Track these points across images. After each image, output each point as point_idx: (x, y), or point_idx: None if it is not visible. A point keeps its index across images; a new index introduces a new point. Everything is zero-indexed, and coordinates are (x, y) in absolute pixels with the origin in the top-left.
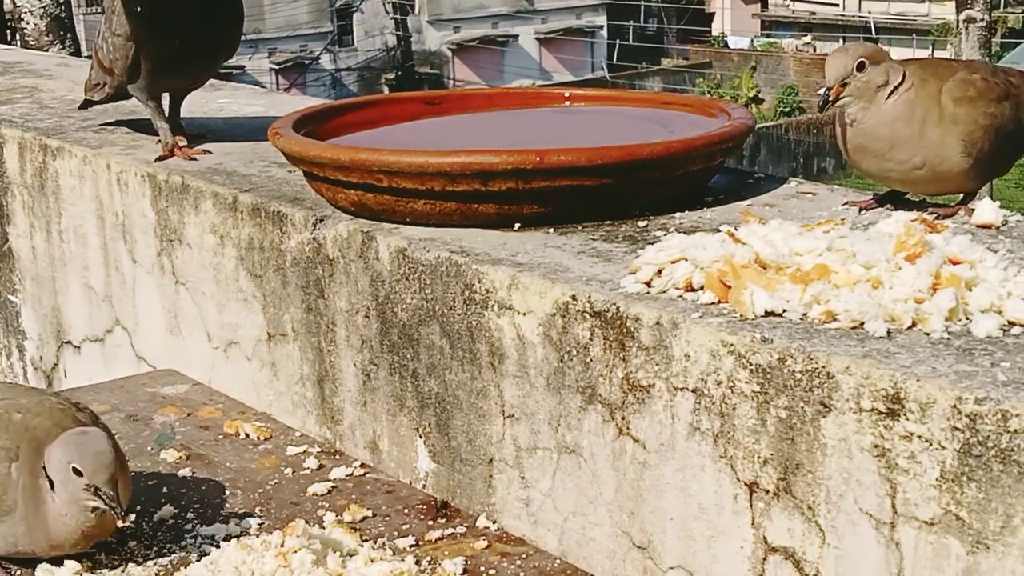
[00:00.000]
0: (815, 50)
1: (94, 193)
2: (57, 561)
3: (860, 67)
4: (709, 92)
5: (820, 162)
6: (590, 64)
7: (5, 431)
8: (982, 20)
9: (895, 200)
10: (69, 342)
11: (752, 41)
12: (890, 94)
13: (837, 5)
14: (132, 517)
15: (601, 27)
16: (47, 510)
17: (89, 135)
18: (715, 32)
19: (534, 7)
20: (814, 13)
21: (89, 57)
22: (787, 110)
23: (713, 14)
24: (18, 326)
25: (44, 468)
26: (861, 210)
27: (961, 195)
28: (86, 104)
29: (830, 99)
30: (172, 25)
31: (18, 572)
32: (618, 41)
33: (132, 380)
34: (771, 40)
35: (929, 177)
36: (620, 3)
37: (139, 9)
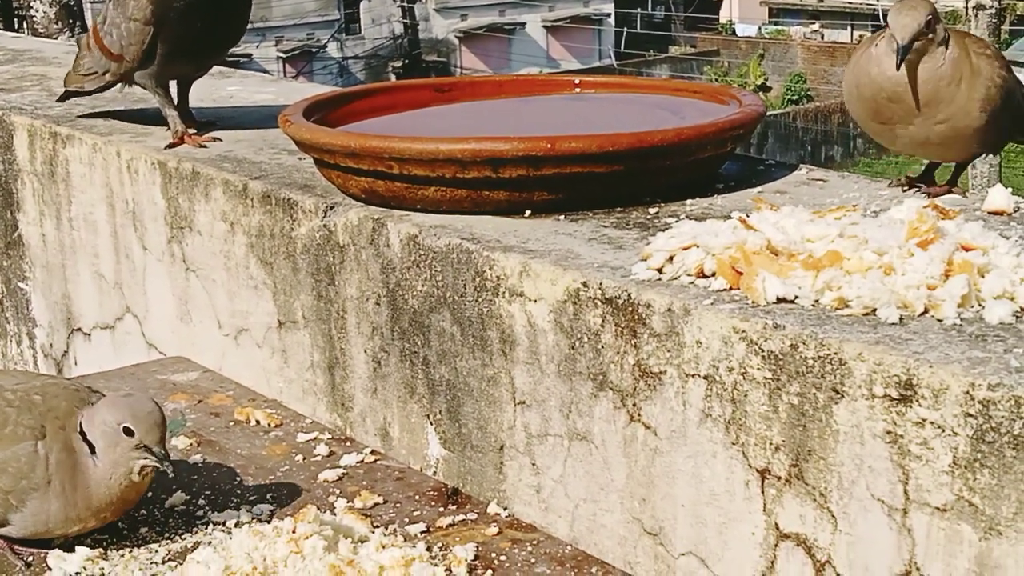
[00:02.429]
0: (823, 38)
1: (104, 181)
2: (69, 547)
3: (928, 24)
4: (717, 80)
5: (828, 150)
6: (597, 52)
7: (28, 412)
8: (991, 7)
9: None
10: (79, 329)
11: (760, 29)
12: (946, 52)
13: None
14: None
15: (608, 15)
16: (87, 477)
17: (99, 123)
18: (723, 20)
19: None
20: (822, 0)
21: None
22: (795, 98)
23: (721, 2)
24: (28, 313)
25: (82, 433)
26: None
27: (953, 167)
28: (68, 95)
29: (904, 54)
30: (195, 9)
31: (31, 559)
32: (625, 29)
33: (143, 367)
34: (779, 28)
35: (944, 136)
36: None
37: None
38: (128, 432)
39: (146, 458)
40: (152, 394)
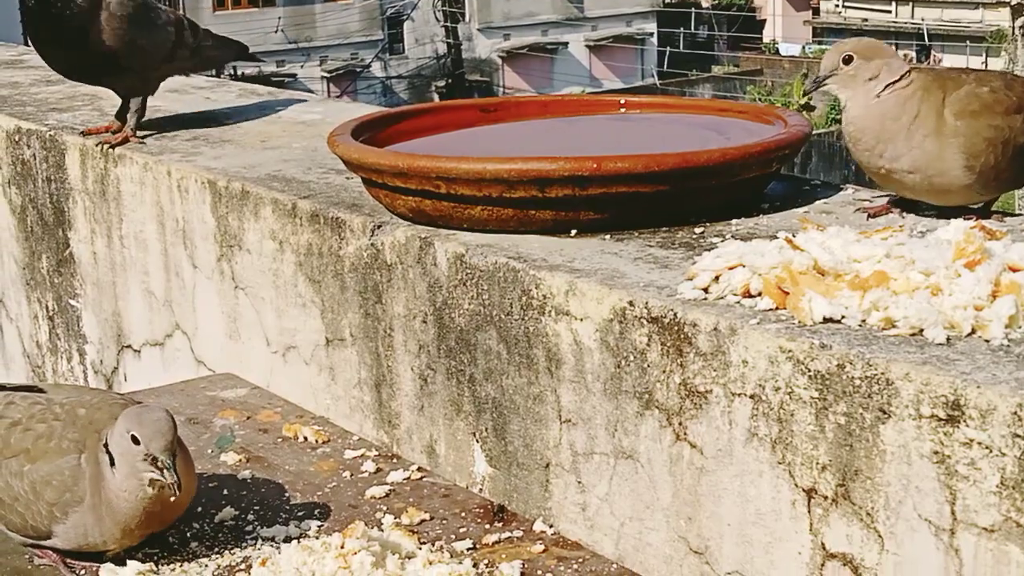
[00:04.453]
0: None
1: (155, 199)
2: (120, 561)
3: (847, 60)
4: (760, 99)
5: None
6: (640, 71)
7: (72, 426)
8: None
9: (904, 205)
10: (129, 346)
11: (804, 48)
12: (883, 89)
13: (890, 12)
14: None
15: (651, 34)
16: (109, 491)
17: (149, 142)
18: (766, 39)
19: (584, 14)
20: (866, 20)
21: None
22: (839, 117)
23: (764, 21)
24: (79, 330)
25: (106, 446)
26: (869, 216)
27: (980, 206)
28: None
29: (815, 86)
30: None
31: (83, 572)
32: (668, 48)
33: (192, 384)
34: (823, 47)
35: (927, 186)
36: (671, 10)
37: None
38: (135, 440)
39: (151, 470)
40: (201, 410)
